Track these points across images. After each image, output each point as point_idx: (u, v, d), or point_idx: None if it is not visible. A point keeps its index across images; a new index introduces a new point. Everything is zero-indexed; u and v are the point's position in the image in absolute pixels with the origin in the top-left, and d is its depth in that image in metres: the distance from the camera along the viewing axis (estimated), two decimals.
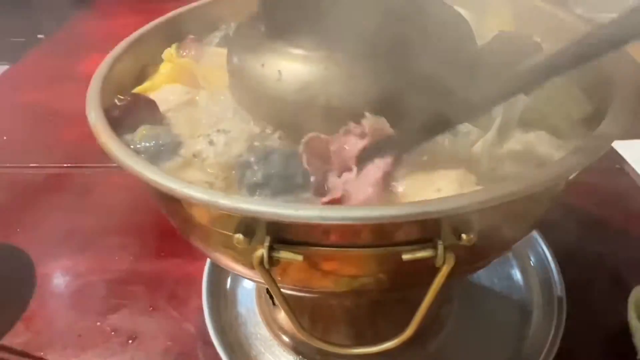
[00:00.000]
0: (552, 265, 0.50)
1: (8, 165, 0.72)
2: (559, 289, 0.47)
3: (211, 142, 0.31)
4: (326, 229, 0.24)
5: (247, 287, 0.52)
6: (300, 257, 0.24)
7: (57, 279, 0.56)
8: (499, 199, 0.23)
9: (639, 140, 0.66)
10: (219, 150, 0.31)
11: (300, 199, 0.28)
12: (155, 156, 0.31)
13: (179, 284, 0.54)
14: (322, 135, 0.28)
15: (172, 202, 0.28)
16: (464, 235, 0.23)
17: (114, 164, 0.75)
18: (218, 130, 0.32)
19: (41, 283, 0.55)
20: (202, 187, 0.24)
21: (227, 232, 0.26)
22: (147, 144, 0.31)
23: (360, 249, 0.25)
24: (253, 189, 0.27)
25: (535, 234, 0.52)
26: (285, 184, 0.27)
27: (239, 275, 0.33)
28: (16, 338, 0.50)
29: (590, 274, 0.50)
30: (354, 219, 0.22)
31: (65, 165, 0.72)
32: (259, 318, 0.49)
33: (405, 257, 0.24)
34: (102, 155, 0.77)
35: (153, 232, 0.60)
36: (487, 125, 0.31)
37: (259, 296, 0.51)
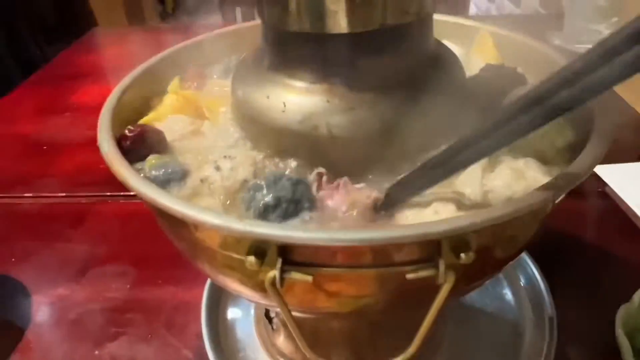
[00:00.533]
0: (542, 285, 0.51)
1: (2, 195, 0.73)
2: (549, 308, 0.49)
3: (217, 168, 0.33)
4: (334, 250, 0.25)
5: (246, 313, 0.53)
6: (309, 278, 0.25)
7: (54, 308, 0.56)
8: (495, 220, 0.25)
9: (620, 165, 0.69)
10: (225, 175, 0.32)
11: (307, 222, 0.30)
12: (164, 184, 0.32)
13: (177, 311, 0.54)
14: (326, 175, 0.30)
15: (182, 227, 0.30)
16: (463, 255, 0.25)
17: (109, 193, 0.76)
18: (224, 157, 0.33)
19: (37, 313, 0.55)
20: (216, 212, 0.25)
21: (238, 256, 0.27)
22: (157, 173, 0.32)
23: (366, 269, 0.26)
24: (263, 211, 0.29)
25: (524, 256, 0.54)
26: (293, 207, 0.29)
27: (245, 298, 0.34)
28: None
29: (579, 293, 0.52)
30: (361, 240, 0.24)
31: (59, 195, 0.72)
32: (257, 343, 0.50)
33: (409, 276, 0.25)
34: (97, 184, 0.78)
35: (149, 260, 0.61)
36: None
37: (257, 322, 0.52)
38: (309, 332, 0.43)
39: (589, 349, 0.47)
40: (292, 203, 0.30)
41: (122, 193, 0.71)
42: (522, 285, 0.53)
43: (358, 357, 0.43)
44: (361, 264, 0.26)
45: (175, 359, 0.49)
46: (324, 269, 0.26)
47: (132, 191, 0.28)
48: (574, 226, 0.61)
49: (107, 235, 0.65)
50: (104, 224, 0.67)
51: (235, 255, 0.27)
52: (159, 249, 0.62)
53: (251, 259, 0.25)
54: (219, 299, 0.53)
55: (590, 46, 0.23)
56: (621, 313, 0.45)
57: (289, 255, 0.26)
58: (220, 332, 0.51)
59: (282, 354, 0.48)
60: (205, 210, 0.26)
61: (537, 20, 1.27)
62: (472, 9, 1.77)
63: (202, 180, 0.32)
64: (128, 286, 0.58)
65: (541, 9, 1.38)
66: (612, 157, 0.69)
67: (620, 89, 0.83)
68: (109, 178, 0.77)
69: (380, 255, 0.26)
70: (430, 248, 0.25)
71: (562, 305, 0.49)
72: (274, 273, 0.25)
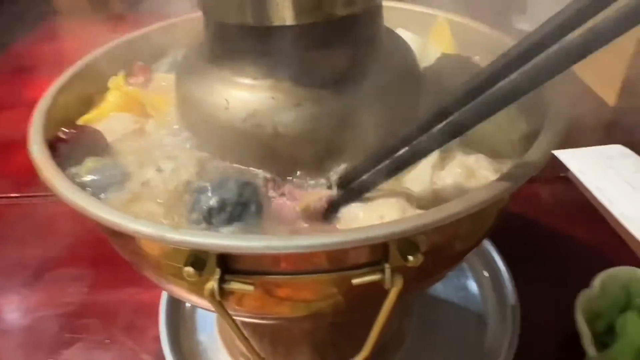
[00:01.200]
0: (505, 275, 0.51)
1: None
2: (512, 298, 0.49)
3: (159, 169, 0.31)
4: (275, 257, 0.24)
5: (207, 313, 0.52)
6: (251, 288, 0.24)
7: (6, 314, 0.53)
8: (443, 220, 0.24)
9: (581, 149, 0.70)
10: (167, 177, 0.31)
11: (253, 226, 0.28)
12: (102, 189, 0.30)
13: (137, 313, 0.52)
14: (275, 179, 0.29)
15: (121, 237, 0.28)
16: (410, 257, 0.24)
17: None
18: (167, 158, 0.32)
19: None
20: (149, 221, 0.24)
21: (178, 265, 0.25)
22: (94, 177, 0.30)
23: (311, 275, 0.25)
24: (208, 214, 0.27)
25: (488, 245, 0.54)
26: (240, 211, 0.27)
27: (195, 305, 0.33)
28: None
29: (541, 280, 0.52)
30: (301, 247, 0.22)
31: (12, 195, 0.69)
32: (220, 344, 0.49)
33: (355, 281, 0.24)
34: None
35: (107, 261, 0.58)
36: None
37: (219, 322, 0.50)
38: (269, 335, 0.42)
39: (551, 336, 0.47)
40: (239, 206, 0.28)
41: None
42: (485, 275, 0.53)
43: (320, 357, 0.42)
44: (306, 270, 0.25)
45: None
46: (268, 276, 0.25)
47: (62, 199, 0.27)
48: (537, 212, 0.61)
49: (62, 237, 0.63)
50: (59, 226, 0.64)
51: (176, 265, 0.26)
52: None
53: (189, 269, 0.24)
54: (179, 300, 0.52)
55: None
56: (581, 299, 0.46)
57: (230, 264, 0.24)
58: (180, 334, 0.49)
59: (245, 355, 0.47)
60: (138, 219, 0.24)
61: (499, 2, 1.27)
62: None
63: (143, 184, 0.30)
64: (85, 289, 0.56)
65: None
66: (574, 141, 0.69)
67: (581, 73, 0.84)
68: None
69: (324, 261, 0.24)
70: (377, 251, 0.24)
71: (525, 293, 0.49)
72: (212, 284, 0.23)
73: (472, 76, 0.25)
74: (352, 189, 0.29)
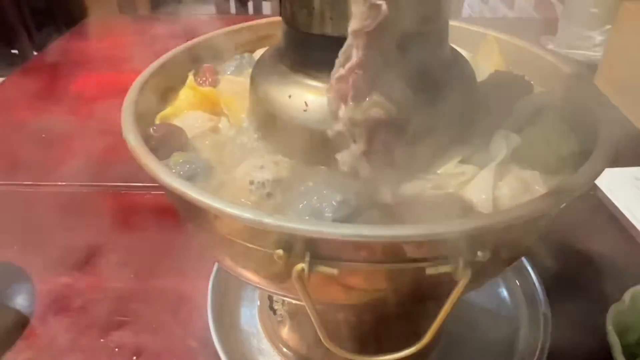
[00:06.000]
0: (537, 284, 0.53)
1: (2, 182, 0.72)
2: (543, 306, 0.51)
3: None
4: (359, 246, 0.27)
5: (250, 304, 0.54)
6: (335, 271, 0.26)
7: (57, 296, 0.56)
8: (510, 221, 0.26)
9: (610, 170, 0.72)
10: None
11: None
12: (190, 179, 0.33)
13: (182, 301, 0.55)
14: None
15: (206, 221, 0.31)
16: (480, 253, 0.26)
17: (111, 183, 0.76)
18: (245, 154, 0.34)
19: (41, 300, 0.55)
20: (248, 207, 0.26)
21: (265, 249, 0.28)
22: (182, 168, 0.33)
23: (388, 265, 0.27)
24: None
25: None
26: None
27: (263, 289, 0.35)
28: (18, 356, 0.50)
29: (571, 293, 0.54)
30: (387, 237, 0.25)
31: (60, 183, 0.72)
32: (262, 333, 0.51)
33: (429, 271, 0.27)
34: (99, 174, 0.78)
35: (154, 250, 0.61)
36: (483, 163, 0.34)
37: (261, 312, 0.53)
38: (313, 327, 0.44)
39: (581, 345, 0.49)
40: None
41: (124, 183, 0.72)
42: (517, 283, 0.55)
43: (359, 349, 0.44)
44: (384, 260, 0.27)
45: (181, 348, 0.50)
46: (348, 263, 0.27)
47: (161, 184, 0.29)
48: (567, 227, 0.63)
49: (110, 225, 0.66)
50: (106, 214, 0.67)
51: (261, 249, 0.29)
52: (163, 239, 0.63)
53: (279, 252, 0.26)
54: (224, 290, 0.54)
55: (583, 52, 0.25)
56: (612, 312, 0.48)
57: (315, 250, 0.27)
58: (225, 322, 0.52)
59: (286, 345, 0.49)
60: (237, 204, 0.27)
61: (531, 24, 1.30)
62: (466, 10, 1.79)
63: (251, 182, 0.32)
64: (132, 276, 0.58)
65: (535, 13, 1.41)
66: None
67: (610, 95, 0.86)
68: (108, 169, 0.77)
69: (402, 252, 0.27)
70: (451, 245, 0.27)
71: (556, 304, 0.51)
72: (302, 266, 0.26)
73: None
74: None
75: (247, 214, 0.26)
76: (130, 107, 0.35)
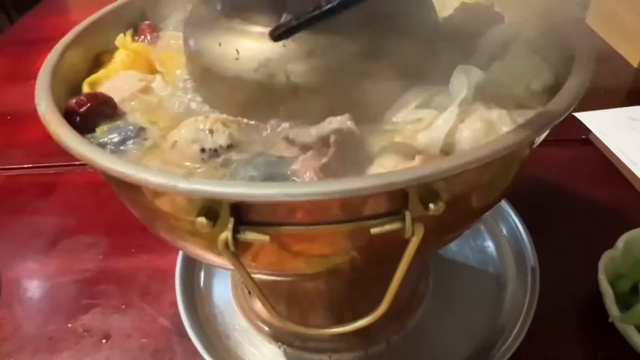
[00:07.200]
0: (524, 235, 0.50)
1: None
2: (531, 259, 0.48)
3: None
4: (291, 206, 0.23)
5: (222, 279, 0.51)
6: (266, 238, 0.23)
7: (24, 282, 0.54)
8: (464, 166, 0.23)
9: (602, 111, 0.67)
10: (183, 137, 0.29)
11: None
12: (119, 145, 0.29)
13: (152, 279, 0.52)
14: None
15: (133, 192, 0.27)
16: (431, 205, 0.23)
17: (78, 162, 0.72)
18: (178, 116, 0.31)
19: (6, 288, 0.53)
20: (161, 171, 0.23)
21: (190, 218, 0.25)
22: (110, 136, 0.30)
23: (328, 226, 0.24)
24: None
25: (505, 205, 0.53)
26: None
27: (211, 264, 0.32)
28: None
29: (561, 242, 0.51)
30: (318, 194, 0.21)
31: (25, 165, 0.69)
32: (235, 309, 0.49)
33: (374, 230, 0.23)
34: (65, 154, 0.75)
35: (121, 229, 0.58)
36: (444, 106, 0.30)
37: (234, 286, 0.50)
38: (285, 295, 0.41)
39: (572, 298, 0.46)
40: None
41: None
42: (504, 235, 0.52)
43: (336, 317, 0.41)
44: (323, 220, 0.24)
45: (151, 328, 0.48)
46: (283, 227, 0.24)
47: (72, 153, 0.26)
48: (557, 174, 0.59)
49: (77, 205, 0.63)
50: (73, 195, 0.65)
51: (188, 218, 0.25)
52: (131, 217, 0.60)
53: (201, 220, 0.23)
54: (194, 265, 0.52)
55: None
56: (604, 259, 0.45)
57: (244, 215, 0.24)
58: (196, 299, 0.49)
59: (261, 319, 0.47)
60: (149, 169, 0.23)
61: None
62: None
63: (172, 146, 0.29)
64: (100, 257, 0.56)
65: None
66: (595, 103, 0.67)
67: (605, 34, 0.81)
68: None
69: (342, 210, 0.24)
70: (396, 200, 0.23)
71: (545, 254, 0.48)
72: (226, 234, 0.23)
73: None
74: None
75: (159, 179, 0.23)
76: (45, 73, 0.32)
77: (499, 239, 0.52)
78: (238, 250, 0.24)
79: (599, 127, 0.65)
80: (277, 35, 0.27)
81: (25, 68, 0.92)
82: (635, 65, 0.77)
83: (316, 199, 0.22)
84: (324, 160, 0.24)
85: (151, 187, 0.23)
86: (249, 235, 0.23)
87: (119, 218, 0.60)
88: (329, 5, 0.24)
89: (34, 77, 0.90)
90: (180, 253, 0.52)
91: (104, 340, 0.47)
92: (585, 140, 0.64)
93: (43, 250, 0.57)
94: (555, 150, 0.63)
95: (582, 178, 0.59)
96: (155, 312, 0.49)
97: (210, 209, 0.23)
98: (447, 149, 0.27)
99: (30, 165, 0.69)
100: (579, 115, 0.66)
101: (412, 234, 0.23)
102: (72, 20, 1.15)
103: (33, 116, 0.80)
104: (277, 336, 0.45)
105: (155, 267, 0.54)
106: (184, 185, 0.22)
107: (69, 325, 0.49)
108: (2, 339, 0.48)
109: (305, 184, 0.23)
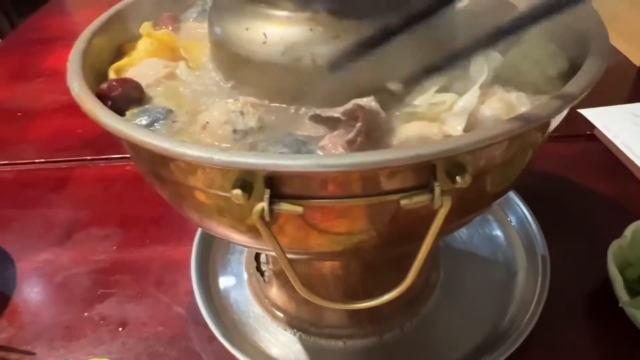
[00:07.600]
0: (533, 225, 0.51)
1: None
2: (541, 247, 0.49)
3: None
4: (324, 179, 0.24)
5: (236, 268, 0.52)
6: (300, 209, 0.24)
7: (39, 273, 0.54)
8: (491, 139, 0.24)
9: (607, 107, 0.69)
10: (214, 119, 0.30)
11: None
12: (149, 126, 0.30)
13: (166, 270, 0.53)
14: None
15: (165, 169, 0.28)
16: (458, 178, 0.24)
17: (89, 157, 0.73)
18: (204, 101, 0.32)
19: (22, 278, 0.54)
20: (198, 145, 0.24)
21: (223, 193, 0.26)
22: (138, 121, 0.30)
23: (358, 199, 0.25)
24: None
25: (514, 196, 0.54)
26: None
27: (236, 242, 0.33)
28: None
29: (570, 232, 0.52)
30: (350, 165, 0.22)
31: (37, 160, 0.70)
32: (250, 297, 0.49)
33: (403, 202, 0.24)
34: (76, 149, 0.75)
35: (134, 221, 0.59)
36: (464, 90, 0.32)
37: (249, 274, 0.51)
38: (301, 279, 0.42)
39: (581, 285, 0.47)
40: None
41: (102, 156, 0.69)
42: (513, 226, 0.53)
43: (351, 300, 0.42)
44: (353, 194, 0.25)
45: (167, 316, 0.49)
46: (315, 200, 0.25)
47: (108, 129, 0.27)
48: (564, 168, 0.60)
49: (89, 198, 0.63)
50: (85, 189, 0.65)
51: (221, 193, 0.26)
52: (144, 210, 0.61)
53: (237, 192, 0.24)
54: (208, 255, 0.52)
55: None
56: (613, 248, 0.46)
57: (278, 188, 0.24)
58: (211, 287, 0.50)
59: (275, 305, 0.47)
60: (187, 143, 0.24)
61: None
62: None
63: (203, 127, 0.30)
64: (114, 248, 0.56)
65: None
66: (600, 100, 0.68)
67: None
68: (86, 142, 0.75)
69: (372, 183, 0.24)
70: (424, 173, 0.24)
71: (554, 243, 0.49)
72: (262, 205, 0.24)
73: None
74: None
75: (197, 152, 0.23)
76: (76, 55, 0.33)
77: (508, 229, 0.53)
78: (271, 221, 0.24)
79: (604, 123, 0.66)
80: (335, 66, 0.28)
81: (33, 67, 0.93)
82: (638, 64, 0.78)
83: (349, 169, 0.22)
84: (351, 135, 0.25)
85: (189, 159, 0.23)
86: (284, 206, 0.24)
87: (132, 211, 0.60)
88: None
89: (43, 75, 0.91)
90: (195, 242, 0.52)
91: (120, 328, 0.48)
92: (591, 135, 0.65)
93: (57, 242, 0.57)
94: (562, 145, 0.64)
95: (588, 172, 0.60)
96: (171, 301, 0.50)
97: (245, 182, 0.24)
98: (469, 129, 0.28)
99: (42, 160, 0.70)
100: (584, 112, 0.67)
101: (441, 206, 0.24)
102: (77, 21, 1.17)
103: (43, 113, 0.81)
104: (292, 323, 0.46)
105: (169, 258, 0.54)
106: (221, 157, 0.23)
107: (85, 314, 0.49)
108: (18, 327, 0.49)
109: (338, 155, 0.24)
